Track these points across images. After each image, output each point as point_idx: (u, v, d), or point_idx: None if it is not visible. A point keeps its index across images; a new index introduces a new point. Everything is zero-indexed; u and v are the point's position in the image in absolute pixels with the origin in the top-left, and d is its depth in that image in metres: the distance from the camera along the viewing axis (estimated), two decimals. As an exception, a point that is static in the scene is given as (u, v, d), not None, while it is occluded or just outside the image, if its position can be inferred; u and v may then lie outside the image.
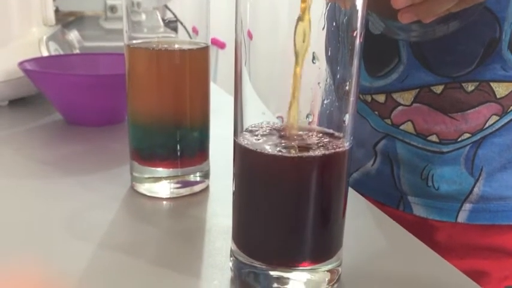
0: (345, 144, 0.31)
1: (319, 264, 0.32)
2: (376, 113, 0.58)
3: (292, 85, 0.30)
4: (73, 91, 0.64)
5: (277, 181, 0.31)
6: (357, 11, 0.29)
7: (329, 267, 0.33)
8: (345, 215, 0.33)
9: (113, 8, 1.23)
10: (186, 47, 0.47)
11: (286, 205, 0.31)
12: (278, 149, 0.31)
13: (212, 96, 0.49)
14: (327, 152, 0.30)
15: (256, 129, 0.33)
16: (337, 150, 0.31)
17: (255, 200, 0.32)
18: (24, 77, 0.68)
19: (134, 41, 0.46)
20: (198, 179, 0.48)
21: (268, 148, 0.31)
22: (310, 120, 0.31)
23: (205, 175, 0.49)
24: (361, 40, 0.30)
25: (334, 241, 0.33)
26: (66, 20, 1.25)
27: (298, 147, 0.31)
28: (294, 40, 0.30)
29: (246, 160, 0.32)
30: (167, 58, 0.45)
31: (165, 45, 0.46)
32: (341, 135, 0.32)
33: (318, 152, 0.30)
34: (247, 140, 0.32)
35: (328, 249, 0.33)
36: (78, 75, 0.67)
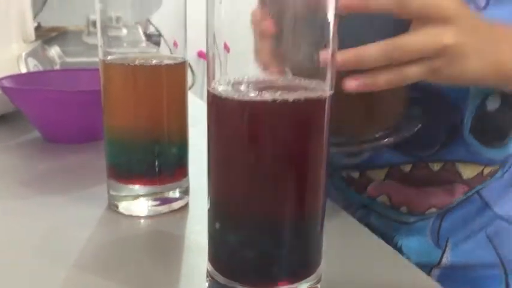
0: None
1: (297, 283, 0.31)
2: (353, 188, 0.60)
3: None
4: (50, 108, 0.63)
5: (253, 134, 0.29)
6: (329, 23, 0.29)
7: (307, 285, 0.32)
8: (322, 229, 0.33)
9: (95, 23, 1.23)
10: (161, 62, 0.46)
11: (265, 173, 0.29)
12: (255, 94, 0.29)
13: (191, 110, 0.48)
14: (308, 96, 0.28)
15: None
16: (319, 95, 0.29)
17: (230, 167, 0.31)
18: (2, 94, 0.67)
19: (110, 57, 0.45)
20: (177, 195, 0.47)
21: (244, 94, 0.29)
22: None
23: (185, 191, 0.48)
24: None
25: (312, 257, 0.32)
26: (48, 35, 1.24)
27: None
28: None
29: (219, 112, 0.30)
30: (142, 73, 0.44)
31: (141, 61, 0.45)
32: None
33: (297, 96, 0.28)
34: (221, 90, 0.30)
35: (306, 266, 0.32)
36: (54, 91, 0.66)
